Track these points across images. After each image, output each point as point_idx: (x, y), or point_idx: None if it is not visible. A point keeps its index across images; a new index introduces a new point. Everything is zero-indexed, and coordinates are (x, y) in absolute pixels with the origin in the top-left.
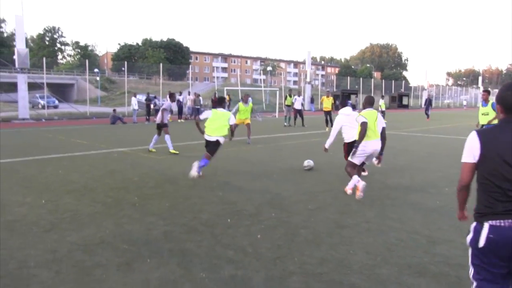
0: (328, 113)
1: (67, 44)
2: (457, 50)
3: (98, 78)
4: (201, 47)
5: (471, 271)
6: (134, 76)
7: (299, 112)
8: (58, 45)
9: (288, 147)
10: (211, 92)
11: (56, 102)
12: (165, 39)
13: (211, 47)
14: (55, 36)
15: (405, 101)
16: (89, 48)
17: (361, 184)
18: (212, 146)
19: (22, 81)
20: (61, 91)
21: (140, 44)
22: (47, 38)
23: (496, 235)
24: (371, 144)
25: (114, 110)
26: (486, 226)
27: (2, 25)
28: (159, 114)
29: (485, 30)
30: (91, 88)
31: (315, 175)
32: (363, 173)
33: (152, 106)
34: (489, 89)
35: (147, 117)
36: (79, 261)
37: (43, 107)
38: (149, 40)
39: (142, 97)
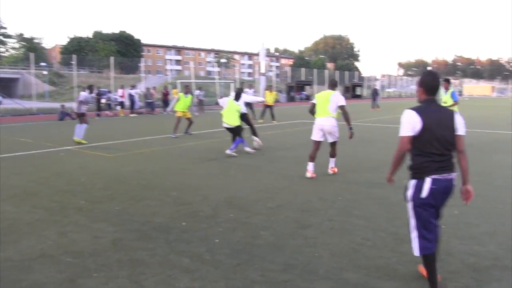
0: (269, 107)
1: (9, 36)
2: (408, 41)
3: (45, 72)
4: (154, 40)
5: (413, 223)
6: (85, 70)
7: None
8: (0, 37)
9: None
10: (163, 86)
11: None
12: (116, 32)
13: (164, 40)
14: None
15: (358, 91)
16: (36, 40)
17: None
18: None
19: None
20: (4, 86)
21: (90, 36)
22: None
23: (436, 185)
24: (319, 120)
25: (63, 106)
26: (428, 180)
27: None
28: (76, 104)
29: (434, 22)
30: (38, 82)
31: (273, 170)
32: (331, 171)
33: (104, 100)
34: (449, 78)
35: (98, 113)
36: (14, 281)
37: None
38: (100, 32)
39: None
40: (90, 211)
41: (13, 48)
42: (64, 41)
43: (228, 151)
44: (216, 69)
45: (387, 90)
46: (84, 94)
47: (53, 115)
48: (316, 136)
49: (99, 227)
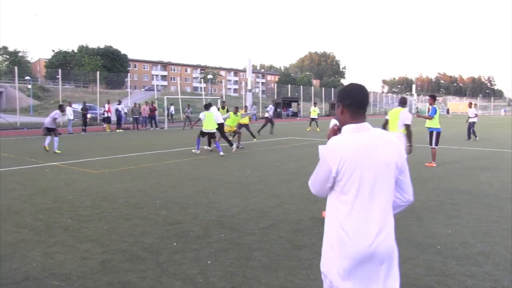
0: (245, 126)
1: None
2: (392, 59)
3: (30, 86)
4: (140, 55)
5: None
6: (70, 84)
7: (270, 121)
8: None
9: (232, 158)
10: (150, 101)
11: None
12: (102, 46)
13: (150, 55)
14: None
15: None
16: (20, 54)
17: None
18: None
19: None
20: None
21: (76, 51)
22: None
23: None
24: None
25: None
26: None
27: None
28: (49, 120)
29: (417, 40)
30: (22, 96)
31: (263, 188)
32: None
33: (88, 116)
34: (435, 94)
35: (84, 128)
36: None
37: None
38: (86, 47)
39: (78, 106)
40: (77, 230)
41: None
42: (49, 55)
43: (206, 147)
44: (203, 85)
45: (373, 107)
46: (57, 112)
47: (38, 129)
48: None
49: (87, 248)
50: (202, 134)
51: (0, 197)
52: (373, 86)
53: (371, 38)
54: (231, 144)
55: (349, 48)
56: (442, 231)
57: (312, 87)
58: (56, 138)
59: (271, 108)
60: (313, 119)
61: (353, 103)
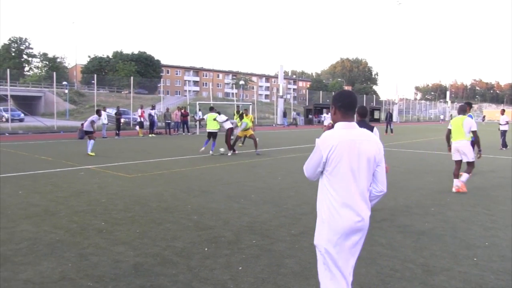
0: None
1: (34, 56)
2: (425, 65)
3: (66, 91)
4: (173, 61)
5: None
6: (104, 89)
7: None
8: (25, 56)
9: (264, 164)
10: (182, 106)
11: (22, 115)
12: (136, 52)
13: (183, 61)
14: (21, 47)
15: (376, 115)
16: (58, 60)
17: None
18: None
19: None
20: (28, 104)
21: (110, 56)
22: (13, 49)
23: None
24: (454, 144)
25: (82, 125)
26: None
27: None
28: (87, 123)
29: (451, 46)
30: (59, 101)
31: (294, 195)
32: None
33: (122, 120)
34: (471, 102)
35: (117, 132)
36: None
37: (7, 120)
38: (120, 52)
39: (112, 111)
40: (110, 233)
41: (37, 67)
42: (85, 61)
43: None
44: (234, 90)
45: (405, 114)
46: (95, 116)
47: (73, 133)
48: (455, 157)
49: (120, 251)
50: (208, 134)
51: (39, 199)
52: (406, 93)
53: (404, 44)
54: (230, 149)
55: (382, 54)
56: (478, 242)
57: None
58: (92, 141)
59: (325, 117)
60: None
61: (344, 106)
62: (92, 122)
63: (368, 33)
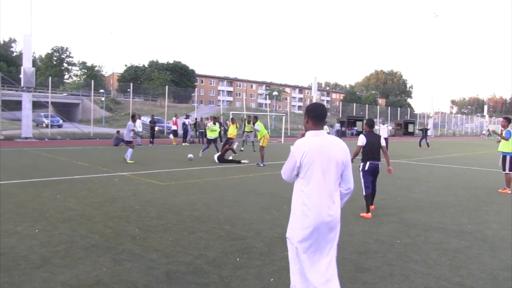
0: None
1: (74, 64)
2: (462, 78)
3: (103, 99)
4: (207, 71)
5: (363, 181)
6: (140, 97)
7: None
8: (65, 64)
9: None
10: (216, 115)
11: (60, 121)
12: (171, 62)
13: (217, 71)
14: (63, 56)
15: (410, 128)
16: (96, 68)
17: None
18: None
19: (26, 99)
20: (66, 111)
21: (146, 66)
22: (55, 58)
23: (370, 165)
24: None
25: (118, 132)
26: (368, 163)
27: (13, 44)
28: (126, 132)
29: (490, 59)
30: (96, 108)
31: None
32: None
33: (156, 128)
34: (510, 116)
35: (151, 140)
36: None
37: (47, 126)
38: (156, 62)
39: (146, 119)
40: (144, 240)
41: (76, 75)
42: (122, 69)
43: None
44: (268, 101)
45: (440, 128)
46: (131, 124)
47: (108, 140)
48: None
49: (153, 258)
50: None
51: (75, 203)
52: (441, 106)
53: (440, 57)
54: (218, 156)
55: (417, 66)
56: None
57: (378, 106)
58: (130, 150)
59: (380, 127)
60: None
61: (315, 116)
62: (131, 130)
63: (404, 45)
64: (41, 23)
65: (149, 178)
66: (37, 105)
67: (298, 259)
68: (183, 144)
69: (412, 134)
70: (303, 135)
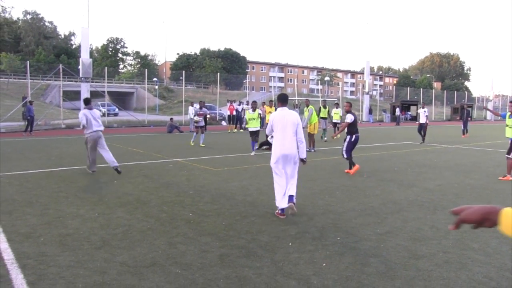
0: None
1: (128, 54)
2: None
3: (156, 87)
4: (258, 57)
5: (348, 148)
6: (192, 85)
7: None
8: (120, 55)
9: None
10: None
11: (116, 110)
12: (222, 49)
13: (268, 57)
14: (117, 47)
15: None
16: (149, 57)
17: None
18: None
19: (85, 89)
20: (122, 99)
21: (198, 53)
22: (110, 49)
23: (356, 137)
24: None
25: (171, 119)
26: (354, 136)
27: (72, 38)
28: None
29: None
30: (149, 96)
31: (380, 194)
32: None
33: (208, 116)
34: None
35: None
36: (128, 286)
37: (103, 114)
38: (207, 49)
39: (198, 106)
40: (197, 224)
41: (130, 65)
42: (174, 58)
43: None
44: (319, 86)
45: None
46: (191, 108)
47: (162, 127)
48: None
49: (207, 241)
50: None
51: (132, 188)
52: (503, 89)
53: (502, 35)
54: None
55: (476, 47)
56: None
57: (433, 90)
58: (202, 135)
59: (424, 111)
60: (335, 124)
61: (280, 100)
62: (199, 114)
63: (461, 25)
64: (97, 16)
65: (202, 164)
66: (94, 95)
67: (274, 174)
68: (234, 130)
69: (470, 118)
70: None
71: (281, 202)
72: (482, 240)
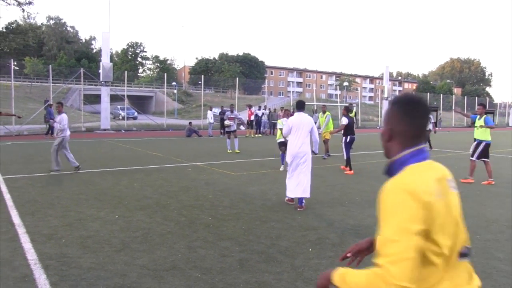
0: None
1: (147, 59)
2: None
3: (175, 91)
4: (276, 62)
5: (345, 147)
6: (210, 89)
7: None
8: (140, 59)
9: (368, 167)
10: (286, 107)
11: (135, 113)
12: (241, 54)
13: (286, 62)
14: (137, 51)
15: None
16: (168, 62)
17: None
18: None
19: (105, 93)
20: (141, 103)
21: (216, 58)
22: (130, 53)
23: (351, 138)
24: None
25: (190, 123)
26: (349, 137)
27: (93, 42)
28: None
29: None
30: (168, 100)
31: None
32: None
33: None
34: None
35: (222, 131)
36: None
37: (123, 118)
38: (226, 54)
39: (217, 111)
40: (217, 228)
41: (149, 69)
42: (193, 62)
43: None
44: (338, 92)
45: None
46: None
47: (181, 131)
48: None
49: (226, 246)
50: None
51: (151, 192)
52: None
53: None
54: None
55: (498, 52)
56: None
57: (453, 96)
58: (236, 140)
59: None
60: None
61: (297, 107)
62: (229, 118)
63: (482, 30)
64: (118, 21)
65: (221, 168)
66: (114, 98)
67: (288, 167)
68: (253, 135)
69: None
70: (292, 115)
71: (291, 192)
72: (507, 250)
